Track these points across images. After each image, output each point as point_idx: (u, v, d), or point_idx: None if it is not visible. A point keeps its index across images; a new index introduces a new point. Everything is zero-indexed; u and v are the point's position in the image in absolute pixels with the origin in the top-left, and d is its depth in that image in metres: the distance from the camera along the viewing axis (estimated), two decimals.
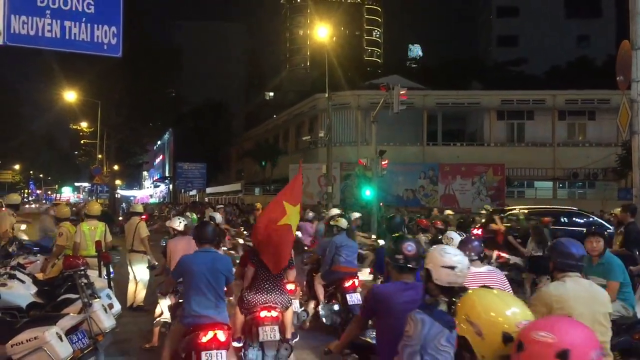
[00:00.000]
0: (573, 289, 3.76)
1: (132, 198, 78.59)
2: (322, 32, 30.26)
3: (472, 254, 5.10)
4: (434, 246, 3.88)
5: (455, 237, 5.98)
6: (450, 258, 3.36)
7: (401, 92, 22.68)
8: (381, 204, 26.12)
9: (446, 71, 51.34)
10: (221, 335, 5.00)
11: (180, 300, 5.87)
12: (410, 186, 34.45)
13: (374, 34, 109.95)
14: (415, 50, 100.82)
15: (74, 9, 3.24)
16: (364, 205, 25.08)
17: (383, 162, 25.05)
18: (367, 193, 25.03)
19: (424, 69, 64.80)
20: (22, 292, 6.73)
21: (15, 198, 11.24)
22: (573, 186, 38.74)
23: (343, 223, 9.54)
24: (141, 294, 10.18)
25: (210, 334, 4.98)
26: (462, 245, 5.23)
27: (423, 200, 33.48)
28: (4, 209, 10.88)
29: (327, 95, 28.37)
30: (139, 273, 10.04)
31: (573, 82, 39.70)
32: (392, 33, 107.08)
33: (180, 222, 8.01)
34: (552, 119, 38.03)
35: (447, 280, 3.29)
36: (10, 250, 8.61)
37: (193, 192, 63.16)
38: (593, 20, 62.81)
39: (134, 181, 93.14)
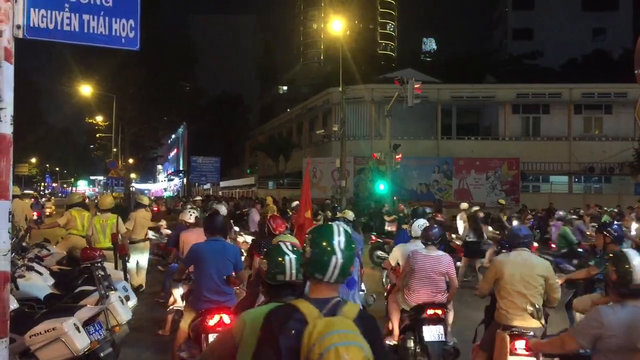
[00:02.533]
0: (513, 257, 5.15)
1: (146, 191, 79.02)
2: (336, 25, 30.19)
3: (433, 238, 6.32)
4: None
5: (421, 222, 7.19)
6: None
7: (415, 86, 22.65)
8: (395, 197, 26.10)
9: (460, 65, 50.95)
10: (227, 319, 5.34)
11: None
12: (424, 180, 34.32)
13: (388, 27, 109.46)
14: (430, 44, 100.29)
15: (92, 2, 3.26)
16: (377, 200, 25.09)
17: (397, 156, 25.06)
18: (381, 187, 25.03)
19: (438, 63, 64.46)
20: (40, 284, 6.80)
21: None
22: (589, 181, 38.37)
23: (350, 215, 10.15)
24: (142, 274, 10.97)
25: (216, 318, 5.34)
26: (424, 232, 6.47)
27: (437, 195, 33.31)
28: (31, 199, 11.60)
29: (340, 89, 28.34)
30: (143, 260, 10.90)
31: (589, 75, 39.24)
32: (406, 26, 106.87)
33: (190, 215, 8.46)
34: (568, 113, 37.65)
35: None
36: (24, 244, 8.75)
37: (207, 186, 63.39)
38: (609, 12, 61.99)
39: (149, 175, 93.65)
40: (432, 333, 6.06)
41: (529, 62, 53.17)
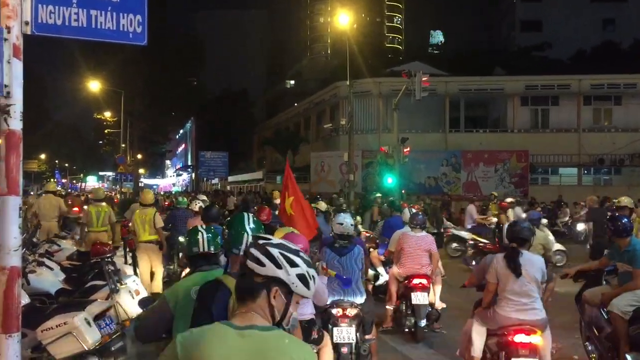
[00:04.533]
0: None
1: (155, 187, 79.23)
2: (343, 19, 30.09)
3: (419, 223, 8.06)
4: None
5: (407, 212, 9.80)
6: (341, 219, 6.06)
7: (423, 79, 22.55)
8: (403, 191, 26.07)
9: (469, 57, 50.68)
10: None
11: None
12: (432, 174, 34.16)
13: (395, 20, 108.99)
14: (437, 37, 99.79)
15: None
16: (385, 193, 25.02)
17: (405, 150, 24.99)
18: (389, 181, 24.98)
19: (446, 55, 64.15)
20: (50, 279, 6.87)
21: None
22: (598, 172, 38.10)
23: (322, 206, 11.76)
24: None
25: None
26: (411, 218, 8.28)
27: (445, 188, 33.22)
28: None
29: (348, 82, 28.25)
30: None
31: (598, 66, 38.93)
32: (414, 19, 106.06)
33: (196, 204, 10.39)
34: (577, 104, 37.38)
35: (339, 230, 5.99)
36: (34, 239, 8.83)
37: (215, 181, 63.47)
38: (618, 3, 61.48)
39: (157, 170, 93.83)
40: (418, 298, 7.58)
41: (538, 54, 52.84)
